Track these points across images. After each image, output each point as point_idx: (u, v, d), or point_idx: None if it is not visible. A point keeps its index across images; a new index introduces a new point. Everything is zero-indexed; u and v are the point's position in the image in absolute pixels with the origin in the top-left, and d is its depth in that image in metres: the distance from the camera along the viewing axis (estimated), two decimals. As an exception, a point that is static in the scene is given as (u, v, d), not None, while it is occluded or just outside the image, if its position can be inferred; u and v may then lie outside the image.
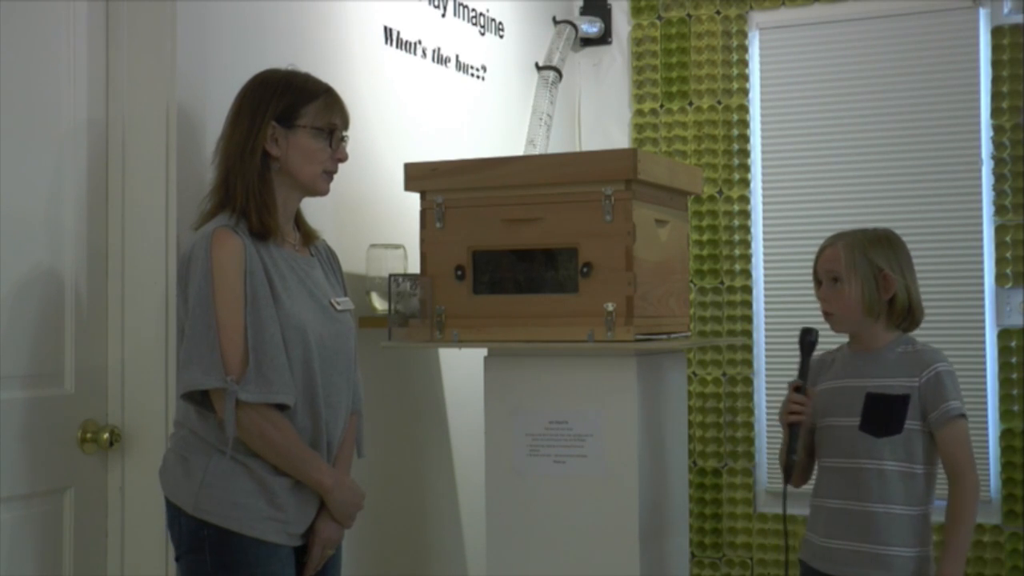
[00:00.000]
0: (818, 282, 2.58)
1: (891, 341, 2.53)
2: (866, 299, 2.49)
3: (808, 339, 2.54)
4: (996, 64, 3.70)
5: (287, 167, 2.22)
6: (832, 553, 2.51)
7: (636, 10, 4.15)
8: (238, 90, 2.26)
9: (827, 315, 2.57)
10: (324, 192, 2.30)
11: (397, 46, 3.18)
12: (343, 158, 2.29)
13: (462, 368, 3.30)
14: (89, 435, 2.34)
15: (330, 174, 2.29)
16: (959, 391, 2.47)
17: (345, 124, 2.30)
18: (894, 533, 2.44)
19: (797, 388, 2.53)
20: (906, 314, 2.52)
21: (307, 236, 2.33)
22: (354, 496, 2.27)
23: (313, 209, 2.42)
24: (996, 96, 3.70)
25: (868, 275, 2.49)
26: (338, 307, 2.28)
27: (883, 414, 2.46)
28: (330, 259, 2.39)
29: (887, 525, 2.45)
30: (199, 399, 2.12)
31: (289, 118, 2.21)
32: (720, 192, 4.01)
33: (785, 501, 2.53)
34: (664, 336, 2.80)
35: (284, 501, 2.16)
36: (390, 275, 2.72)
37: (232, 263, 2.11)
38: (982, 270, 3.72)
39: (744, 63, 4.01)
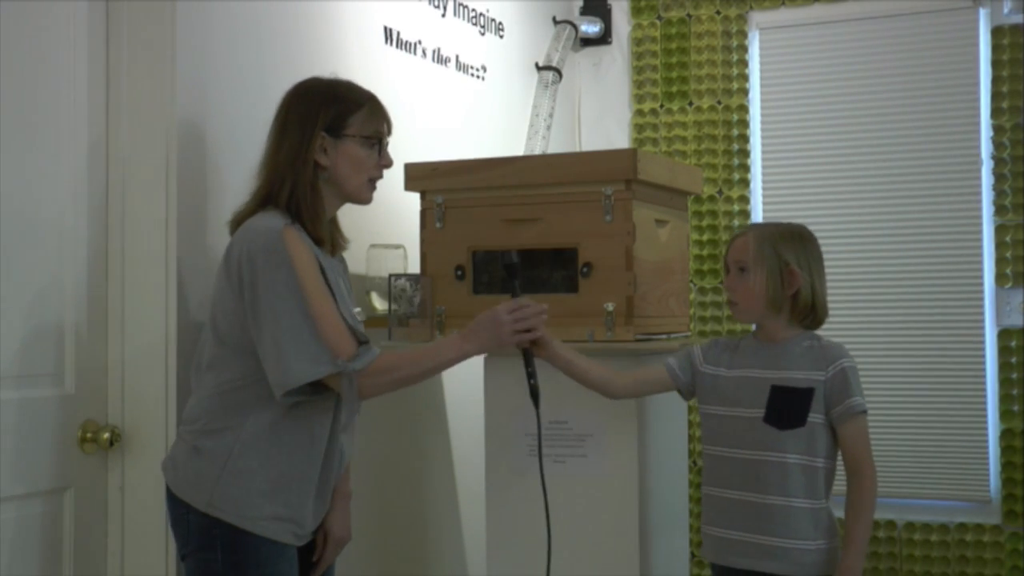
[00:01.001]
0: (727, 271, 2.57)
1: (796, 335, 2.52)
2: (769, 292, 2.48)
3: (512, 268, 2.38)
4: (996, 64, 3.70)
5: (335, 176, 2.23)
6: (733, 544, 2.49)
7: (636, 10, 4.16)
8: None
9: (731, 304, 2.57)
10: (368, 200, 2.31)
11: (397, 46, 3.18)
12: (388, 164, 2.30)
13: (462, 368, 3.30)
14: (89, 435, 2.34)
15: (374, 182, 2.29)
16: (861, 388, 2.47)
17: (390, 130, 2.31)
18: (793, 526, 2.44)
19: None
20: (809, 311, 2.51)
21: (336, 245, 2.32)
22: (489, 317, 2.23)
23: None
24: (996, 96, 3.70)
25: (774, 268, 2.49)
26: (359, 317, 2.31)
27: (787, 407, 2.46)
28: (344, 268, 2.40)
29: (786, 518, 2.44)
30: (306, 390, 2.11)
31: (337, 128, 2.22)
32: (720, 192, 4.01)
33: (540, 428, 2.40)
34: (664, 336, 2.80)
35: (298, 502, 2.18)
36: (390, 275, 2.73)
37: (308, 257, 2.12)
38: (982, 270, 3.72)
39: (744, 63, 4.01)
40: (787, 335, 2.51)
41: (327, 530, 2.34)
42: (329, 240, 2.24)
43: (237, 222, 2.20)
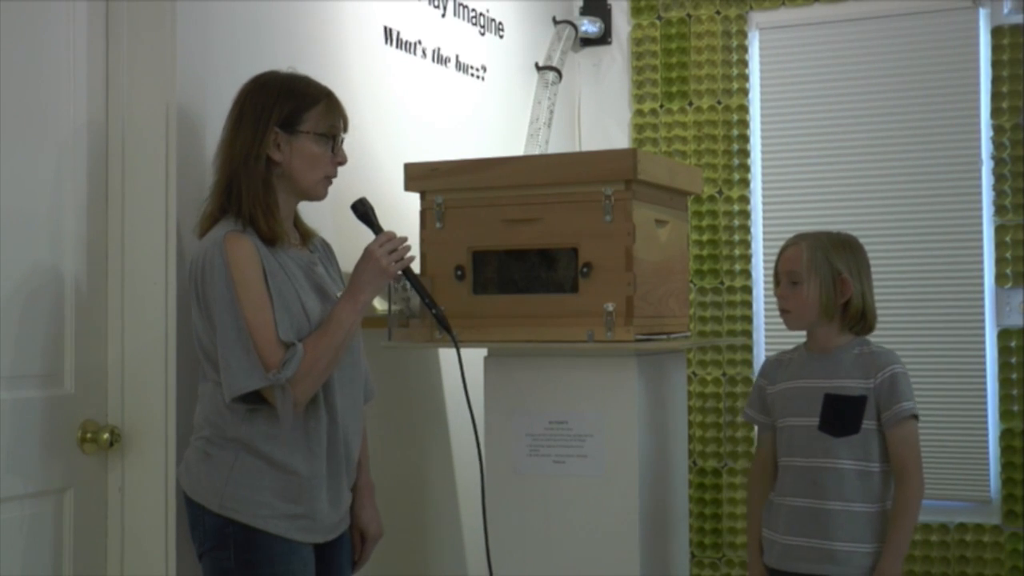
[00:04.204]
0: (778, 280, 2.62)
1: (846, 343, 2.58)
2: (822, 300, 2.56)
3: (362, 209, 2.37)
4: (996, 64, 3.70)
5: (289, 172, 2.24)
6: (791, 550, 2.56)
7: (636, 10, 4.15)
8: (238, 90, 2.26)
9: (783, 312, 2.64)
10: (322, 197, 2.32)
11: (397, 46, 3.18)
12: (343, 161, 2.31)
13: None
14: (89, 435, 2.34)
15: (329, 179, 2.30)
16: (912, 392, 2.53)
17: (345, 127, 2.31)
18: (850, 530, 2.49)
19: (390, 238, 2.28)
20: (859, 319, 2.58)
21: (305, 235, 2.35)
22: (364, 259, 2.24)
23: (313, 210, 2.42)
24: (996, 96, 3.70)
25: (827, 277, 2.56)
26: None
27: (841, 415, 2.51)
28: (327, 253, 2.42)
29: (844, 522, 2.50)
30: (250, 398, 2.14)
31: (292, 124, 2.22)
32: (720, 192, 4.01)
33: (461, 361, 2.46)
34: (664, 336, 2.80)
35: (310, 498, 2.20)
36: (389, 275, 2.72)
37: (249, 263, 2.13)
38: (982, 270, 3.71)
39: (744, 63, 4.00)
40: (838, 343, 2.58)
41: (363, 530, 2.42)
42: (286, 235, 2.24)
43: (202, 227, 2.23)
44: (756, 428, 2.75)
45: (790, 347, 2.72)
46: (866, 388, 2.51)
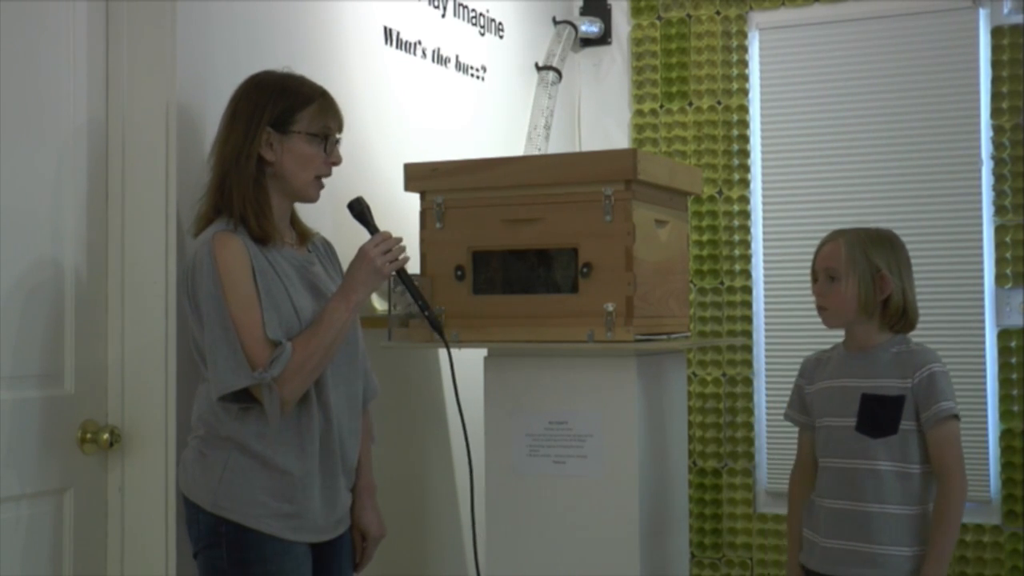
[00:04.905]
0: (815, 277, 2.58)
1: (885, 341, 2.54)
2: (861, 297, 2.51)
3: (358, 208, 2.36)
4: (996, 64, 3.70)
5: (281, 172, 2.23)
6: (829, 553, 2.53)
7: (636, 10, 4.15)
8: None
9: (821, 310, 2.59)
10: (314, 199, 2.31)
11: (397, 46, 3.18)
12: (337, 162, 2.30)
13: (462, 368, 3.29)
14: (89, 435, 2.34)
15: (322, 179, 2.29)
16: (952, 391, 2.48)
17: (339, 127, 2.30)
18: (889, 533, 2.45)
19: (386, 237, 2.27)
20: (900, 316, 2.53)
21: (303, 235, 2.35)
22: (359, 259, 2.23)
23: (313, 210, 2.42)
24: (996, 96, 3.70)
25: (866, 274, 2.50)
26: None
27: (879, 415, 2.47)
28: (328, 252, 2.42)
29: (882, 525, 2.46)
30: (241, 397, 2.14)
31: (284, 123, 2.22)
32: (720, 192, 4.01)
33: (452, 363, 2.45)
34: (664, 336, 2.80)
35: (303, 498, 2.20)
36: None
37: (237, 262, 2.13)
38: (982, 270, 3.71)
39: (744, 63, 4.01)
40: (877, 341, 2.53)
41: (364, 531, 2.41)
42: (278, 235, 2.24)
43: (197, 227, 2.24)
44: (797, 429, 2.71)
45: (829, 346, 2.67)
46: (904, 388, 2.46)
